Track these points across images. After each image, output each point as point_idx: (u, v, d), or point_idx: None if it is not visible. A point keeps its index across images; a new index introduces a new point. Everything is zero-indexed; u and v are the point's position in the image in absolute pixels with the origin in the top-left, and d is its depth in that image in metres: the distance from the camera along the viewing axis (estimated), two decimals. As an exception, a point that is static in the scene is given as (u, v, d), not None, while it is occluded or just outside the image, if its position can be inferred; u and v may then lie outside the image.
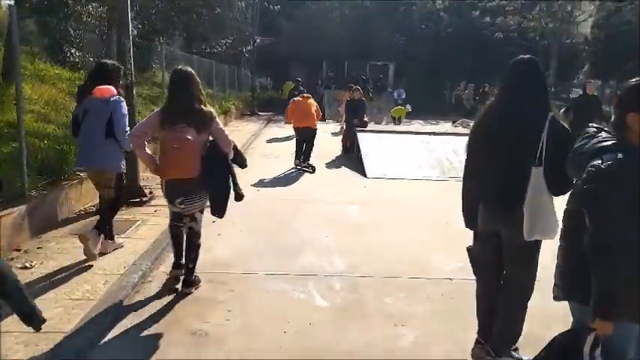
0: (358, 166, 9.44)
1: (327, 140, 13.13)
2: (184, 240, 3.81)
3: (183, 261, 3.83)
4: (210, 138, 3.65)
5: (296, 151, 9.74)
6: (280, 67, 29.05)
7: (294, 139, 9.99)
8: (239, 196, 3.82)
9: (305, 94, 10.23)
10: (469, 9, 27.16)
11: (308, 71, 27.62)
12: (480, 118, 3.02)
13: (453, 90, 21.74)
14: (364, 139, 10.13)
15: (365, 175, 8.84)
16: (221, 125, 3.73)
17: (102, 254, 4.30)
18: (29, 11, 12.87)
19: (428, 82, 26.77)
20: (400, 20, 28.72)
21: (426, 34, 28.42)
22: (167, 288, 3.79)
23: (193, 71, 3.72)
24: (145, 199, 6.23)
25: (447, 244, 5.11)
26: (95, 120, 4.11)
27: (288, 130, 16.23)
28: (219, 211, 3.70)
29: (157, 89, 14.01)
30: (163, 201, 5.92)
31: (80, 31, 12.75)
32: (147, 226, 5.26)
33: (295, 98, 10.38)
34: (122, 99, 4.26)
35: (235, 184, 3.75)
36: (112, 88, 4.18)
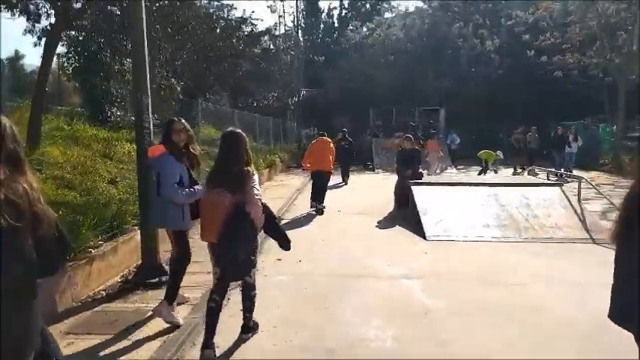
0: (415, 226, 8.20)
1: (378, 193, 12.00)
2: (218, 318, 3.65)
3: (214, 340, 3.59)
4: None
5: (312, 193, 10.25)
6: (326, 117, 28.60)
7: (311, 182, 10.52)
8: (286, 243, 3.91)
9: (324, 138, 10.51)
10: (522, 49, 25.88)
11: (354, 120, 26.95)
12: (636, 186, 1.88)
13: (511, 134, 20.12)
14: (420, 194, 8.91)
15: (424, 237, 7.57)
16: (256, 185, 3.58)
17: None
18: (73, 73, 12.95)
19: (482, 126, 25.35)
20: (448, 63, 27.83)
21: (476, 77, 27.27)
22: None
23: (242, 132, 3.70)
24: (165, 278, 5.23)
25: (561, 347, 3.76)
26: (151, 179, 4.32)
27: (336, 181, 15.29)
28: (230, 275, 3.68)
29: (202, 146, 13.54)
30: (191, 280, 4.98)
31: (122, 90, 12.58)
32: (159, 320, 4.21)
33: (313, 141, 10.84)
34: (169, 154, 4.13)
35: (279, 232, 3.88)
36: (161, 146, 4.21)
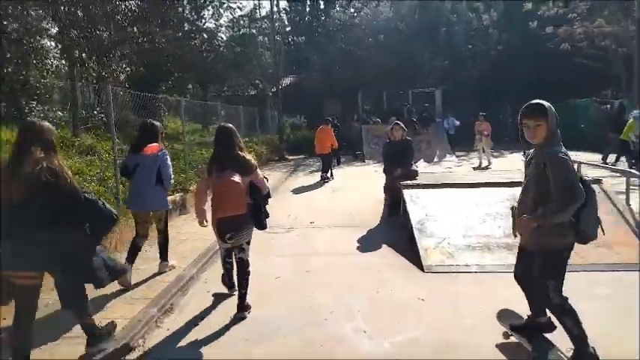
0: (408, 246, 6.00)
1: (366, 192, 9.77)
2: (235, 271, 4.39)
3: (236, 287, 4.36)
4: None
5: (327, 168, 13.35)
6: (314, 104, 26.21)
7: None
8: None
9: (323, 126, 13.63)
10: (523, 21, 23.45)
11: (343, 106, 24.68)
12: None
13: (514, 116, 17.78)
14: (415, 201, 6.68)
15: (421, 268, 5.36)
16: (259, 173, 4.26)
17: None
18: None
19: (482, 108, 23.04)
20: (442, 42, 25.42)
21: (474, 55, 24.90)
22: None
23: (232, 126, 4.35)
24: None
25: None
26: (148, 172, 5.00)
27: (319, 178, 13.13)
28: (259, 225, 4.28)
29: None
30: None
31: (45, 79, 10.26)
32: None
33: (318, 128, 13.74)
34: (166, 152, 5.22)
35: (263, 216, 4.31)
36: (157, 145, 5.12)
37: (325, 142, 13.14)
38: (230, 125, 4.34)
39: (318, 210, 8.92)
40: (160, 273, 5.30)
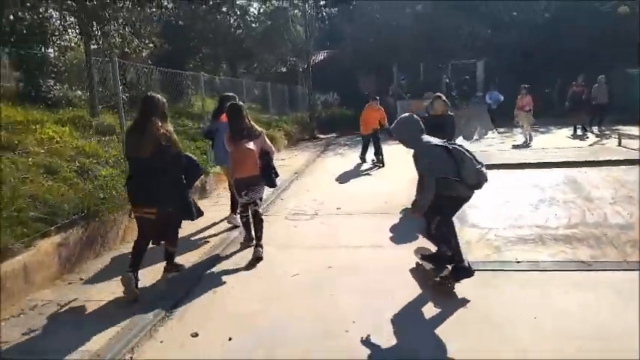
0: (447, 237, 5.24)
1: (400, 175, 8.91)
2: (251, 221, 5.27)
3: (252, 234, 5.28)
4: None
5: (362, 149, 11.90)
6: (347, 81, 25.16)
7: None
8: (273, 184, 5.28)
9: (368, 104, 11.66)
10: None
11: (378, 80, 23.57)
12: None
13: (570, 87, 16.25)
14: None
15: (462, 264, 4.60)
16: (266, 139, 5.20)
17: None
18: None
19: (527, 80, 21.44)
20: (484, 10, 23.71)
21: (518, 23, 23.13)
22: (245, 246, 5.41)
23: (241, 103, 5.49)
24: None
25: None
26: (224, 135, 5.62)
27: (350, 159, 12.39)
28: (270, 184, 5.21)
29: (185, 122, 10.77)
30: None
31: (64, 57, 9.87)
32: None
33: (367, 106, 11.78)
34: None
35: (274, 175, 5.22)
36: (224, 115, 5.66)
37: (365, 120, 11.46)
38: (240, 103, 5.37)
39: (346, 194, 8.23)
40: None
